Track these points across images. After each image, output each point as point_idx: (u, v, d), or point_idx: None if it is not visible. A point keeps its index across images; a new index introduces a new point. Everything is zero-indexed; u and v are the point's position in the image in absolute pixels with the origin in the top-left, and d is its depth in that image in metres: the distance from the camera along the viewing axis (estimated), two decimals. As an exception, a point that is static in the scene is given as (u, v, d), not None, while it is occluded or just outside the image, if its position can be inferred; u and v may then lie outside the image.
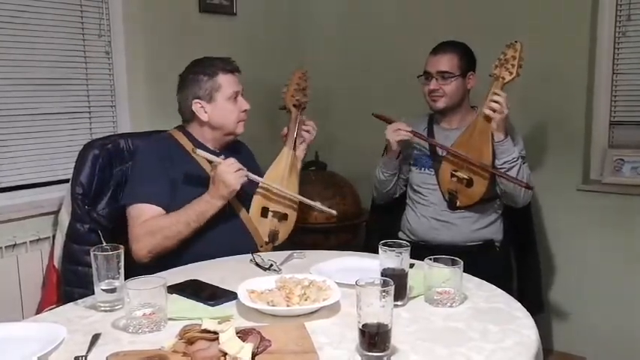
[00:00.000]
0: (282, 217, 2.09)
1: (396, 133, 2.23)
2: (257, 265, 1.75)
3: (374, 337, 1.13)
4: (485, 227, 2.30)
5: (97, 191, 2.03)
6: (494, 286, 1.58)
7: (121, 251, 1.44)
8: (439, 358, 1.18)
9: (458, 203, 2.25)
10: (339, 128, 3.27)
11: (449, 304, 1.43)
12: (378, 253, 1.46)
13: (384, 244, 1.44)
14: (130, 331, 1.29)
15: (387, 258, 1.42)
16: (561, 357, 2.80)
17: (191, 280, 1.60)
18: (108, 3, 2.43)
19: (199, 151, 1.90)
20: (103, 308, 1.42)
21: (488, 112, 2.09)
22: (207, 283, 1.58)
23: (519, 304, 1.46)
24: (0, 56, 2.14)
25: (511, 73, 2.10)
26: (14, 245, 2.15)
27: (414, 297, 1.47)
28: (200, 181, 1.93)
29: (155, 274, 1.51)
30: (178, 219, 1.85)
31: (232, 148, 2.09)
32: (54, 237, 2.20)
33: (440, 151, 2.29)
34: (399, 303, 1.39)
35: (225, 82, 1.98)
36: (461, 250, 2.07)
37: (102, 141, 2.11)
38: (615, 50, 2.61)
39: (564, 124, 2.73)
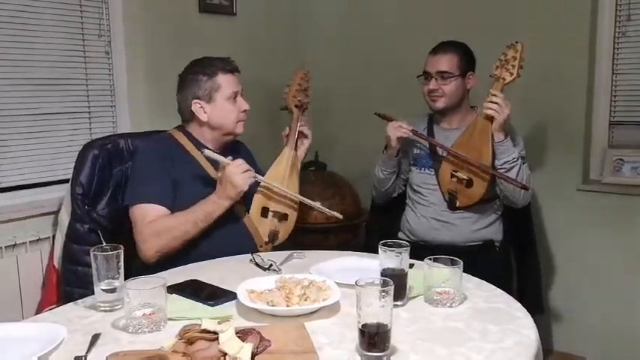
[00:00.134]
0: (283, 217, 2.09)
1: (397, 129, 2.23)
2: (257, 265, 1.75)
3: (374, 337, 1.13)
4: (485, 227, 2.31)
5: (97, 191, 2.03)
6: (493, 286, 1.58)
7: (121, 251, 1.44)
8: (439, 358, 1.18)
9: (458, 203, 2.25)
10: (339, 128, 3.27)
11: (448, 304, 1.42)
12: (377, 253, 1.46)
13: (384, 244, 1.44)
14: (130, 331, 1.29)
15: (387, 258, 1.42)
16: (561, 357, 2.80)
17: (191, 280, 1.60)
18: (108, 3, 2.43)
19: (207, 152, 1.90)
20: (102, 308, 1.42)
21: (488, 112, 2.10)
22: (207, 283, 1.58)
23: (519, 304, 1.46)
24: (0, 56, 2.14)
25: (512, 74, 2.11)
26: (14, 245, 2.15)
27: (414, 297, 1.47)
28: (201, 181, 1.93)
29: (155, 274, 1.51)
30: (186, 218, 1.85)
31: (232, 148, 2.09)
32: (54, 237, 2.20)
33: (440, 151, 2.29)
34: (398, 303, 1.39)
35: (225, 82, 1.98)
36: (461, 250, 2.08)
37: (102, 141, 2.10)
38: (615, 50, 2.61)
39: (564, 124, 2.73)
